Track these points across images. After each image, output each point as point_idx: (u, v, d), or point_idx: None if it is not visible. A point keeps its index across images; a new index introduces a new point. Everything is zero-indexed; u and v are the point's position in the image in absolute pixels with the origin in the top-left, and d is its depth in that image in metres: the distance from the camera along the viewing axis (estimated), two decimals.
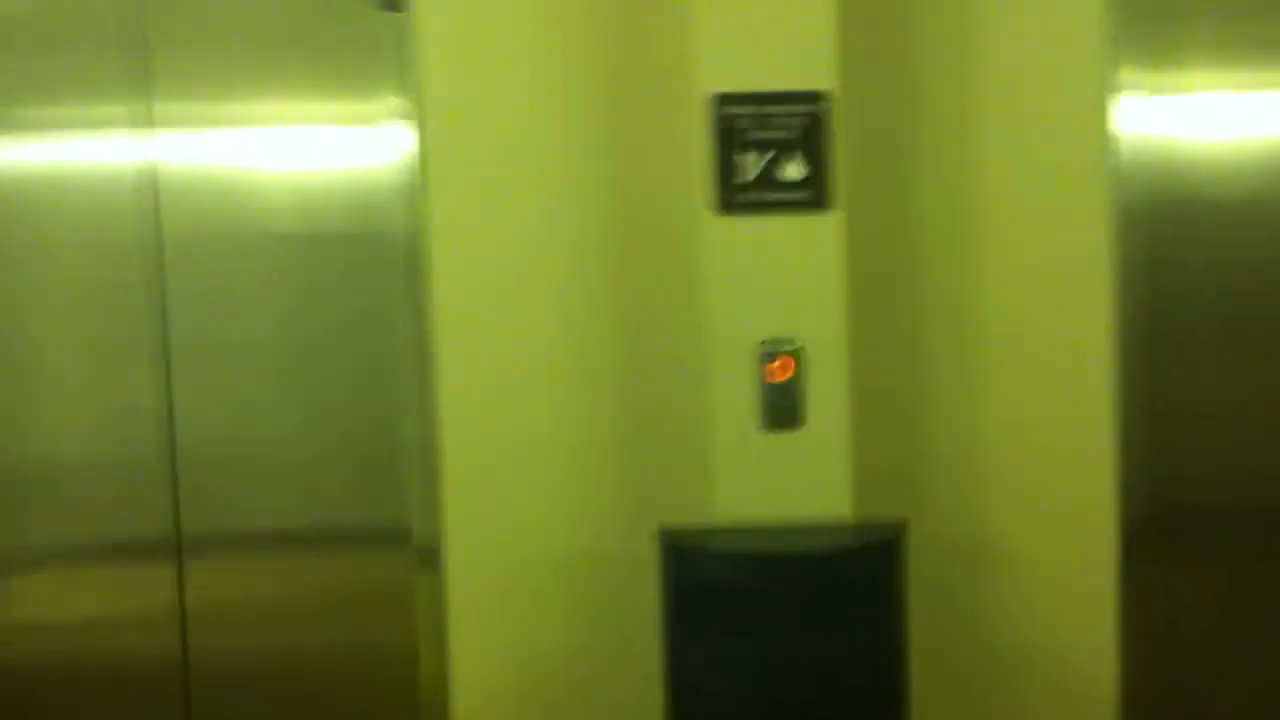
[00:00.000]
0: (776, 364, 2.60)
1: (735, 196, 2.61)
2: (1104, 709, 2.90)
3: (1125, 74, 2.88)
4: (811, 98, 2.57)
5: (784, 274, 2.60)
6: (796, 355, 2.59)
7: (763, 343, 2.59)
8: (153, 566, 3.09)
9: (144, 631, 3.11)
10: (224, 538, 3.11)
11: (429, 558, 2.98)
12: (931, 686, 2.80)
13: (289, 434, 3.10)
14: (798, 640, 2.52)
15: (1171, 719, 2.99)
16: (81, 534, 3.11)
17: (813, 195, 2.59)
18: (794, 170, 2.59)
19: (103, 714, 3.14)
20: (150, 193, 3.02)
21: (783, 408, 2.60)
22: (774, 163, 2.59)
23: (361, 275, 3.03)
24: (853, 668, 2.55)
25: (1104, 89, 2.82)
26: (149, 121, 3.01)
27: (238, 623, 3.12)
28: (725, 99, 2.59)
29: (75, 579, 3.13)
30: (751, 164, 2.60)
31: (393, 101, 2.94)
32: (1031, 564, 2.88)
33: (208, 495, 3.09)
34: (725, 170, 2.61)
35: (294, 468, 3.10)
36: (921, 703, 2.70)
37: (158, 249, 3.04)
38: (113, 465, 3.09)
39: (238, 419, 3.09)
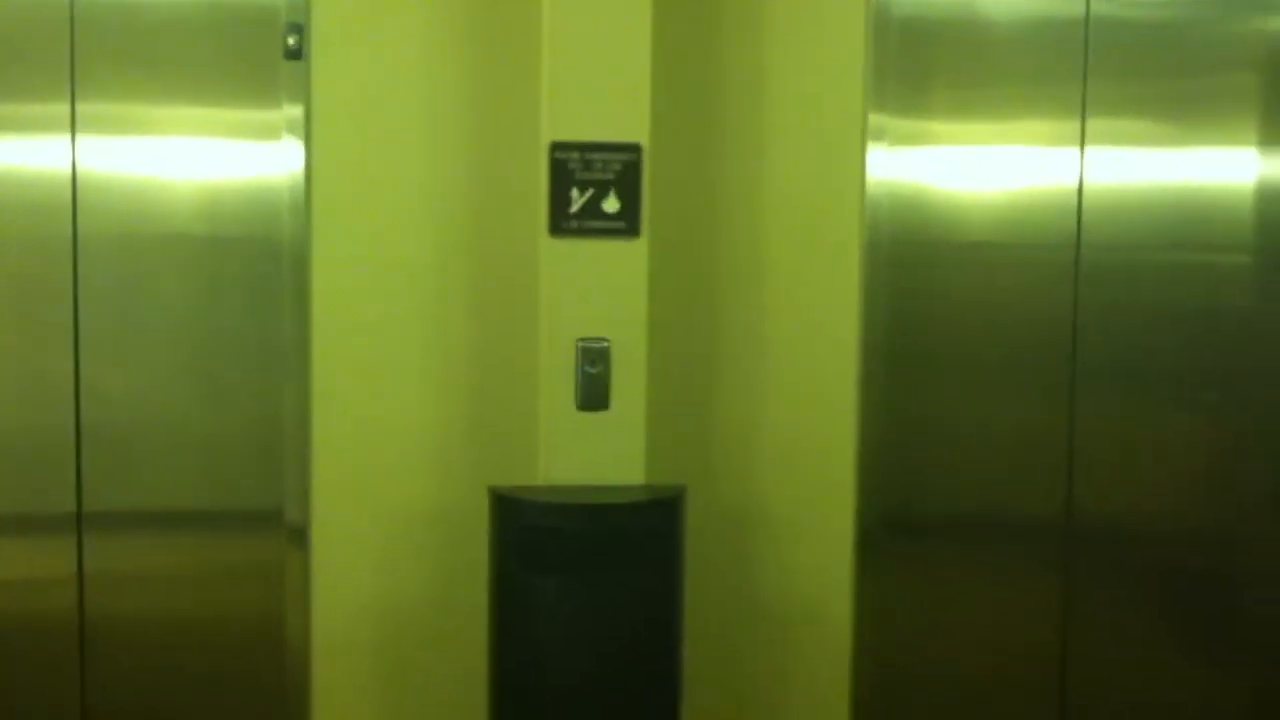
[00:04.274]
0: None
1: (565, 223, 3.23)
2: (840, 650, 3.58)
3: (875, 128, 3.53)
4: (627, 148, 3.21)
5: (600, 286, 3.22)
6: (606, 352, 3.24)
7: (579, 339, 3.23)
8: (55, 536, 3.45)
9: (46, 594, 3.47)
10: (120, 514, 3.48)
11: (298, 536, 3.46)
12: (705, 624, 3.45)
13: (181, 421, 3.47)
14: (595, 576, 3.12)
15: (895, 662, 3.63)
16: None
17: (625, 225, 3.24)
18: (611, 205, 3.24)
19: (8, 665, 3.48)
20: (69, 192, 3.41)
21: (593, 393, 3.24)
22: (596, 198, 3.24)
23: (252, 275, 3.45)
24: (638, 599, 3.15)
25: (863, 146, 3.50)
26: (72, 128, 3.40)
27: (130, 589, 3.49)
28: (560, 146, 3.20)
29: None
30: (578, 198, 3.24)
31: (286, 126, 3.41)
32: (789, 530, 3.55)
33: (107, 474, 3.46)
34: (558, 202, 3.23)
35: (184, 452, 3.47)
36: (695, 635, 3.34)
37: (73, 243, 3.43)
38: (22, 443, 3.45)
39: (137, 405, 3.46)
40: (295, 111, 3.42)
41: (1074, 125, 3.59)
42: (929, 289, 3.62)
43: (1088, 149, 3.60)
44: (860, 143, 3.50)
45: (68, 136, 3.44)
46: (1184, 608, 3.74)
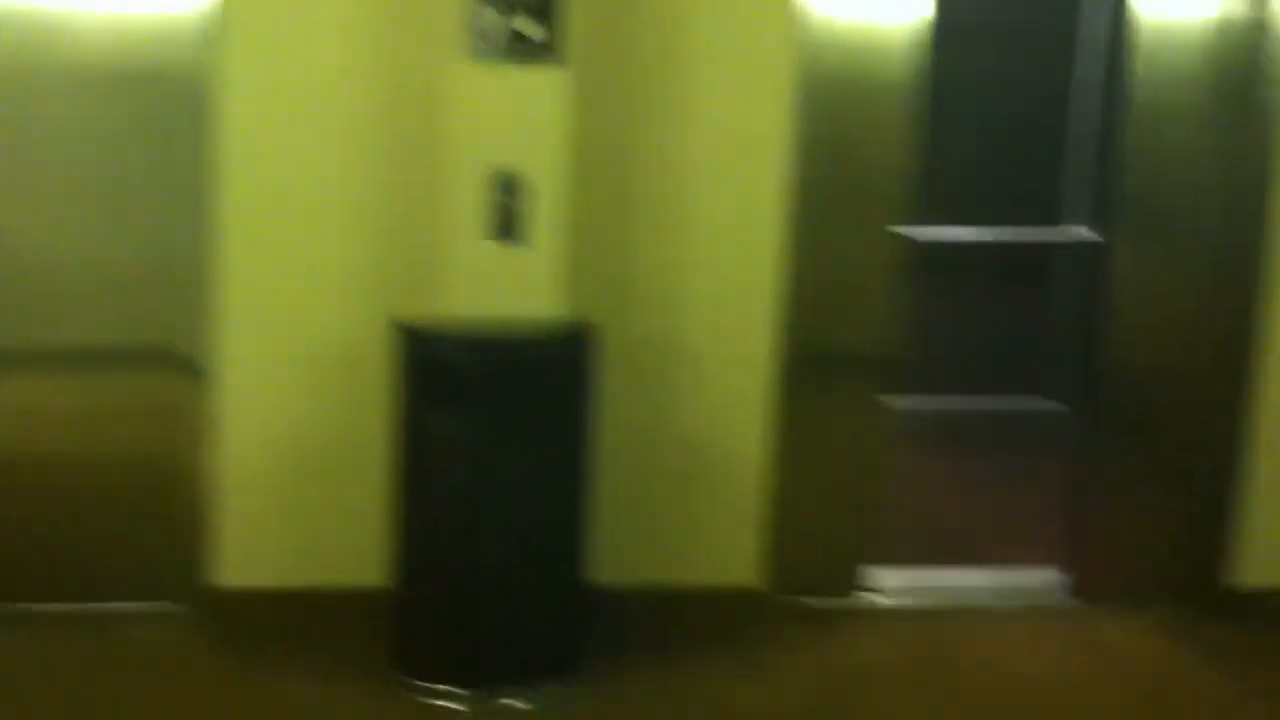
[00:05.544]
0: None
1: (480, 46, 3.08)
2: (753, 486, 3.54)
3: None
4: None
5: (515, 113, 3.09)
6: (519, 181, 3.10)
7: (491, 168, 3.09)
8: None
9: None
10: (22, 353, 3.41)
11: (203, 372, 3.36)
12: (619, 462, 3.36)
13: (86, 258, 3.38)
14: (498, 411, 3.04)
15: (809, 499, 3.56)
16: None
17: (542, 49, 3.09)
18: (528, 27, 3.08)
19: None
20: None
21: (506, 224, 3.11)
22: (511, 19, 3.08)
23: (161, 110, 3.33)
24: (544, 434, 3.08)
25: None
26: None
27: (33, 426, 3.43)
28: None
29: None
30: (493, 20, 3.09)
31: None
32: (707, 366, 3.47)
33: (7, 311, 3.38)
34: (472, 23, 3.09)
35: (89, 289, 3.39)
36: (608, 471, 3.27)
37: None
38: None
39: (40, 241, 3.36)
40: None
41: None
42: (863, 126, 3.46)
43: None
44: None
45: None
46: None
